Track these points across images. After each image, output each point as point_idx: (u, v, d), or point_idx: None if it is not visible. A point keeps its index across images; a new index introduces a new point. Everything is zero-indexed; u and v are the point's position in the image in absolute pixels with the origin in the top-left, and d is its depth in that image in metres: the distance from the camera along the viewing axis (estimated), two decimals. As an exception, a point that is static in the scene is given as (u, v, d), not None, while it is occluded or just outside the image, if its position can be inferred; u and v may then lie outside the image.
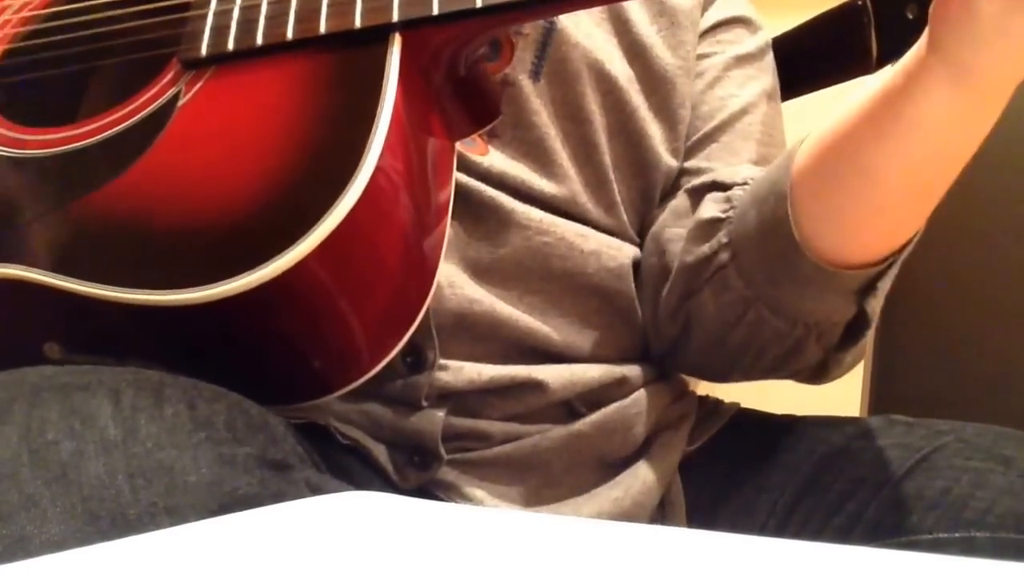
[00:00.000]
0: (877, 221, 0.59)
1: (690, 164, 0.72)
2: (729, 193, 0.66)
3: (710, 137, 0.72)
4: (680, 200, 0.70)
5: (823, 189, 0.60)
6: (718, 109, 0.73)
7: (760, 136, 0.73)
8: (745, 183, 0.66)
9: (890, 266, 0.61)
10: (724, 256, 0.64)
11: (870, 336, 0.66)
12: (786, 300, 0.63)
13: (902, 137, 0.55)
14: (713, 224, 0.65)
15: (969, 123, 0.55)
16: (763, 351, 0.66)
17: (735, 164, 0.71)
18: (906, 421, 0.66)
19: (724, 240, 0.64)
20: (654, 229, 0.71)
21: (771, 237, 0.61)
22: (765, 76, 0.76)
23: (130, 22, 0.59)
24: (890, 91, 0.55)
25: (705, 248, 0.65)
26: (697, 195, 0.69)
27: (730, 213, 0.65)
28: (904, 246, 0.60)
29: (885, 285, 0.62)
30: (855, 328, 0.64)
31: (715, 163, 0.71)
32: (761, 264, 0.63)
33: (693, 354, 0.70)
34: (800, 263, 0.60)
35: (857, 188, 0.58)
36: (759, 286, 0.63)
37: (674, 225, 0.69)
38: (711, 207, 0.66)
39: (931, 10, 0.52)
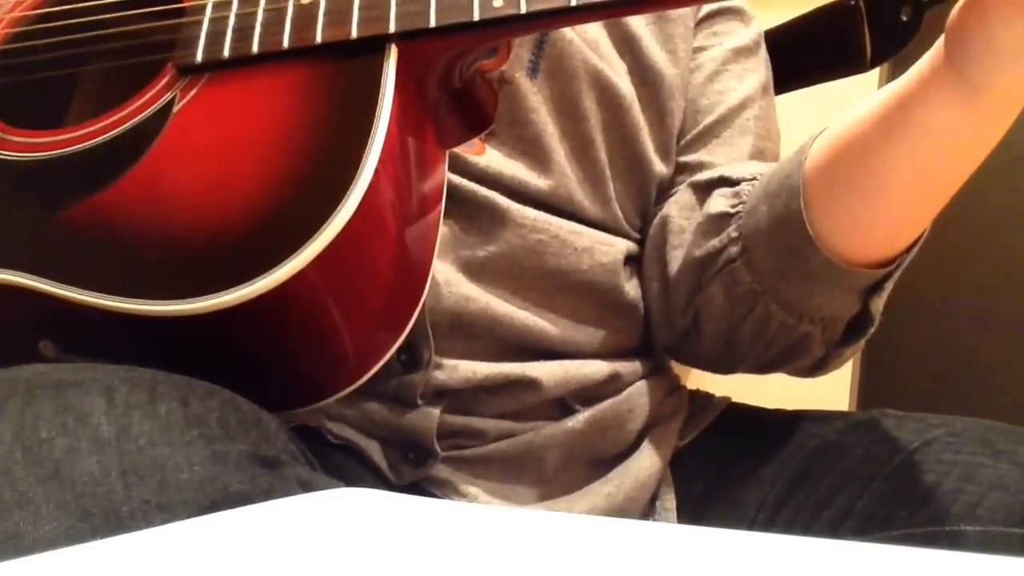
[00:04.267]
0: (885, 221, 0.60)
1: (690, 158, 0.72)
2: (738, 188, 0.67)
3: (710, 132, 0.73)
4: (684, 195, 0.70)
5: (835, 187, 0.60)
6: (717, 103, 0.73)
7: (758, 130, 0.74)
8: (754, 178, 0.66)
9: (897, 267, 0.62)
10: (734, 250, 0.65)
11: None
12: (795, 295, 0.64)
13: (912, 141, 0.56)
14: (722, 218, 0.66)
15: (979, 135, 0.55)
16: (770, 345, 0.67)
17: (735, 158, 0.72)
18: (896, 415, 0.66)
19: (734, 234, 0.65)
20: (656, 222, 0.71)
21: (783, 232, 0.62)
22: (761, 69, 0.77)
23: (124, 25, 0.59)
24: (903, 96, 0.56)
25: (715, 242, 0.66)
26: (703, 190, 0.69)
27: (739, 208, 0.65)
28: (911, 247, 0.61)
29: (890, 285, 0.63)
30: (858, 325, 0.65)
31: (715, 157, 0.72)
32: (772, 258, 0.63)
33: (703, 346, 0.70)
34: (812, 258, 0.61)
35: (867, 188, 0.59)
36: (769, 280, 0.64)
37: (678, 218, 0.69)
38: (720, 202, 0.67)
39: (947, 31, 0.53)
